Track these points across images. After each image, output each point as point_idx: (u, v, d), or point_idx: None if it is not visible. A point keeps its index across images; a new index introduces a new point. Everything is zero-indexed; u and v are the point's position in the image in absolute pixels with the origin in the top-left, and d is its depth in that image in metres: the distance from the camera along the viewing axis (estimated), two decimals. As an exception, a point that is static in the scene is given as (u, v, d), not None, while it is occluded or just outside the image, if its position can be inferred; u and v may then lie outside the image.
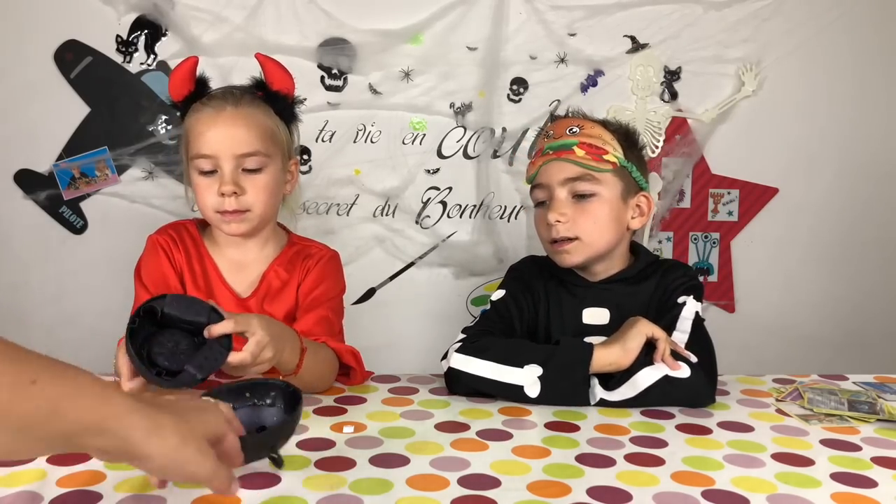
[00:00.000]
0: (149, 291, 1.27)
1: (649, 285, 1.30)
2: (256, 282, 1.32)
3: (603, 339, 1.18)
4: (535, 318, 1.33)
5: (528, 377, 1.12)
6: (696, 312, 1.23)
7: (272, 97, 1.29)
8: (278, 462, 0.87)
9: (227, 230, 1.27)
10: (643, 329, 1.14)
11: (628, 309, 1.25)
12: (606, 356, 1.13)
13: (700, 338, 1.20)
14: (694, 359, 1.14)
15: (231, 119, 1.24)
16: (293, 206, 1.42)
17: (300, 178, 1.41)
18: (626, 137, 1.31)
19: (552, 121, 1.36)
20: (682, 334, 1.20)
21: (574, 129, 1.28)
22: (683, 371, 1.12)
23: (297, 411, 0.87)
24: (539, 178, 1.30)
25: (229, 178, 1.23)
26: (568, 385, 1.12)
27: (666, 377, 1.11)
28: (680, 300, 1.24)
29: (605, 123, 1.31)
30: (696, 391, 1.13)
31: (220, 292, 1.30)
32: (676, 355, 1.14)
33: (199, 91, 1.28)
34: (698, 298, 1.25)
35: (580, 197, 1.26)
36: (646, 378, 1.11)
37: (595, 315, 1.29)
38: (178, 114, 1.31)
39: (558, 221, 1.26)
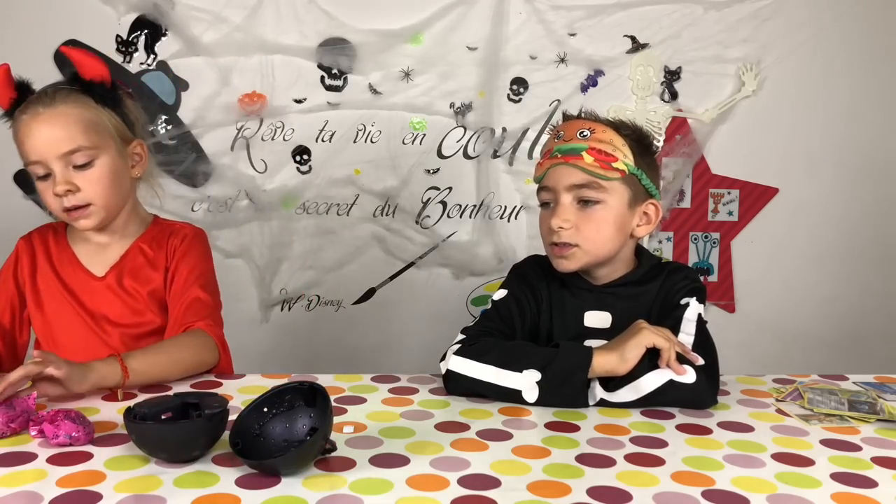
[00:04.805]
0: None
1: (652, 289, 1.28)
2: (116, 260, 1.34)
3: (604, 342, 1.18)
4: (536, 318, 1.32)
5: (527, 382, 1.11)
6: (699, 314, 1.23)
7: (87, 87, 1.29)
8: (332, 449, 0.91)
9: (78, 226, 1.30)
10: (643, 340, 1.12)
11: (631, 313, 1.24)
12: (604, 363, 1.12)
13: (703, 340, 1.19)
14: (700, 361, 1.13)
15: (46, 121, 1.24)
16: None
17: (298, 177, 1.40)
18: (639, 142, 1.27)
19: (564, 120, 1.32)
20: (687, 336, 1.19)
21: (585, 133, 1.24)
22: (689, 376, 1.11)
23: (325, 399, 0.91)
24: (546, 181, 1.27)
25: (60, 179, 1.24)
26: (566, 390, 1.11)
27: (670, 381, 1.10)
28: (682, 301, 1.24)
29: (617, 127, 1.26)
30: (698, 394, 1.12)
31: (75, 276, 1.33)
32: (682, 358, 1.13)
33: (22, 96, 1.28)
34: (701, 301, 1.24)
35: (585, 203, 1.24)
36: (649, 383, 1.10)
37: (597, 319, 1.29)
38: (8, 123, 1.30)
39: (561, 228, 1.24)
